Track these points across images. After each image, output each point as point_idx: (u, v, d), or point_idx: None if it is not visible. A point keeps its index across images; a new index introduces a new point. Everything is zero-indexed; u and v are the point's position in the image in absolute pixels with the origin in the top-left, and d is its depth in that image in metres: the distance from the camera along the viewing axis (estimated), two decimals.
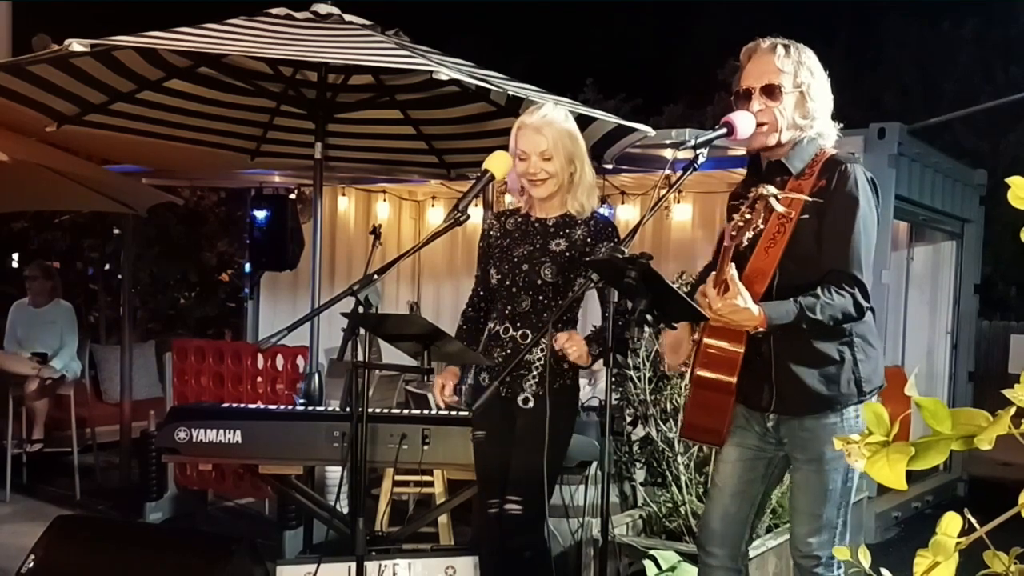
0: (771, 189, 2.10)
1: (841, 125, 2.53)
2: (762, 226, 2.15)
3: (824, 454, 2.41)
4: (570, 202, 3.01)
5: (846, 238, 2.35)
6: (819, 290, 2.31)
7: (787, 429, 2.49)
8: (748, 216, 2.13)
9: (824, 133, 2.47)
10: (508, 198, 3.21)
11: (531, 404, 2.95)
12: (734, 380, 2.40)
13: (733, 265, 2.24)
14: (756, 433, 2.55)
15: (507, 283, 3.02)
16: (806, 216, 2.36)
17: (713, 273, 2.30)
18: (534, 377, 2.96)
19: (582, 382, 3.27)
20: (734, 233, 2.17)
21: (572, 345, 2.85)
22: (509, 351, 2.97)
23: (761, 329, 2.29)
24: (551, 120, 2.95)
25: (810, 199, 2.30)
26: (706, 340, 2.42)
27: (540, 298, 2.98)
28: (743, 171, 2.70)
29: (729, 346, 2.39)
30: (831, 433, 2.36)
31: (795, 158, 2.45)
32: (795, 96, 2.41)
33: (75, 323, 6.60)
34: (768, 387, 2.45)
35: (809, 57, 2.45)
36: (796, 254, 2.35)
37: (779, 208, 2.11)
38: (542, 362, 2.96)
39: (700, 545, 2.70)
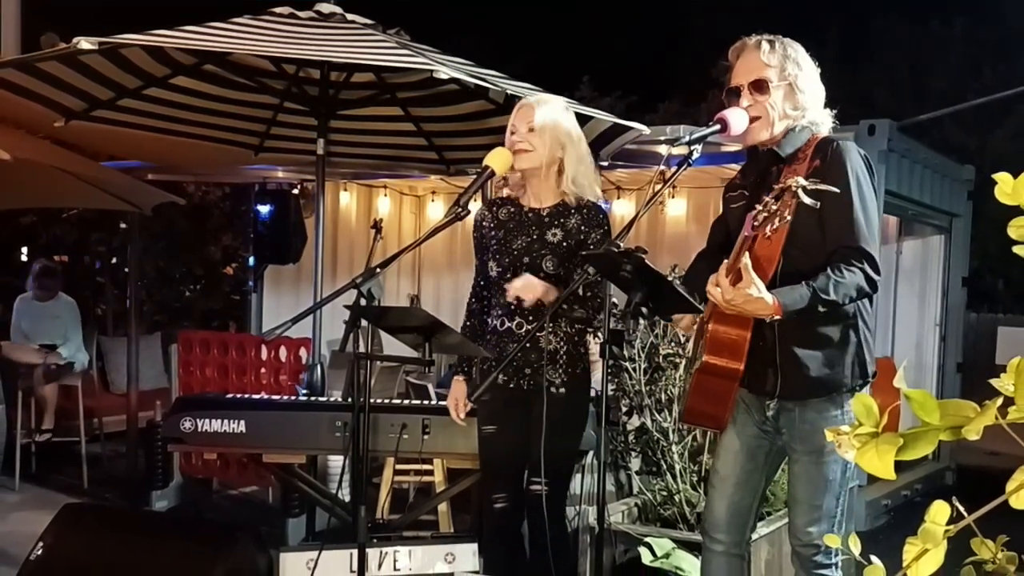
0: (800, 181, 2.03)
1: (834, 112, 2.55)
2: (789, 218, 2.06)
3: (824, 446, 2.38)
4: (564, 185, 3.05)
5: (847, 213, 2.32)
6: (829, 270, 2.26)
7: (787, 420, 2.49)
8: (774, 207, 2.06)
9: (817, 122, 2.49)
10: (506, 192, 3.26)
11: (563, 392, 3.03)
12: (741, 367, 2.38)
13: (747, 254, 2.20)
14: (755, 421, 2.56)
15: (508, 276, 3.06)
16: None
17: (725, 263, 2.25)
18: (561, 367, 3.04)
19: None
20: (756, 223, 2.10)
21: (526, 292, 2.93)
22: (527, 345, 2.97)
23: (777, 317, 2.24)
24: (547, 101, 3.08)
25: (836, 190, 2.20)
26: (714, 326, 2.38)
27: None
28: (736, 166, 2.74)
29: (737, 332, 2.35)
30: (831, 425, 2.36)
31: (786, 144, 2.46)
32: (784, 89, 2.44)
33: (78, 317, 6.65)
34: (773, 371, 2.44)
35: (796, 50, 2.47)
36: (799, 240, 2.31)
37: (807, 200, 2.02)
38: (565, 352, 3.05)
39: (705, 532, 2.70)
